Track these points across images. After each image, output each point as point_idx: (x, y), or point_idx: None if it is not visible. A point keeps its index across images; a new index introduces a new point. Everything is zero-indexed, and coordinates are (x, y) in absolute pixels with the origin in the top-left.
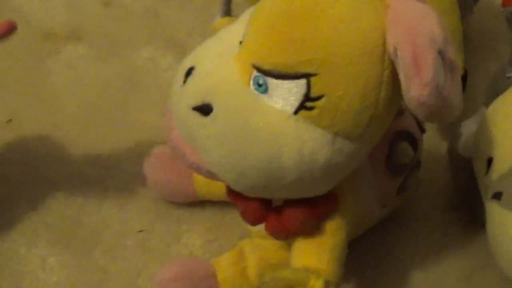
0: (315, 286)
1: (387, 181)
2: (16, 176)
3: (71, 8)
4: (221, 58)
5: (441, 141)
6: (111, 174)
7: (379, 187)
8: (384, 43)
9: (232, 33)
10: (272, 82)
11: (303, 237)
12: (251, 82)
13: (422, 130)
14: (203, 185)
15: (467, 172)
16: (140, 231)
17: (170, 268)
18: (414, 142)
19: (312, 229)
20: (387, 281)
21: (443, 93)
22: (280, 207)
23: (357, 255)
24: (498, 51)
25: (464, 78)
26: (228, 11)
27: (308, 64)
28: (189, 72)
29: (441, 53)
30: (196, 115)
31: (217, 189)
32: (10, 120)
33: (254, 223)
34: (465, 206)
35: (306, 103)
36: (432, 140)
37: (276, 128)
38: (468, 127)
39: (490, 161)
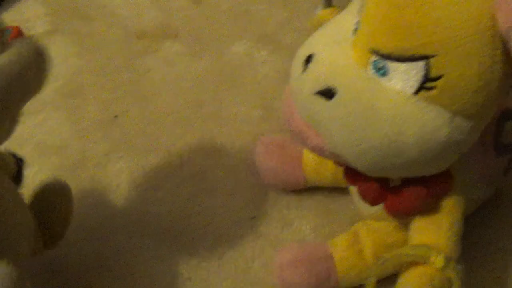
0: (436, 261)
1: (493, 160)
2: (121, 167)
3: (162, 8)
4: (338, 45)
5: None
6: (217, 166)
7: (485, 166)
8: (494, 24)
9: (345, 21)
10: (391, 65)
11: (421, 216)
12: (371, 66)
13: None
14: (311, 171)
15: None
16: (252, 217)
17: (288, 251)
18: None
19: (429, 208)
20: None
21: None
22: (398, 187)
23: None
24: None
25: None
26: (329, 2)
27: (426, 46)
28: (307, 59)
29: None
30: (320, 99)
31: (325, 175)
32: (116, 116)
33: (374, 202)
34: None
35: (425, 84)
36: None
37: (397, 109)
38: None
39: None
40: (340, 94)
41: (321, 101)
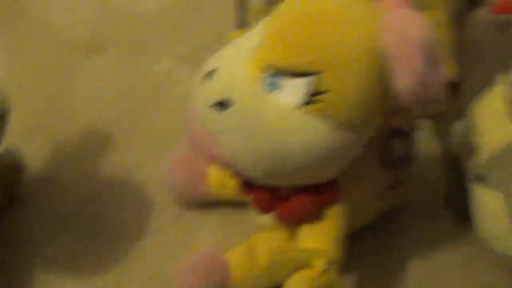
0: (319, 265)
1: (382, 174)
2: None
3: (96, 21)
4: (238, 60)
5: (437, 141)
6: (127, 180)
7: (374, 179)
8: (380, 45)
9: (248, 39)
10: (283, 80)
11: (307, 223)
12: (265, 81)
13: (413, 129)
14: (216, 186)
15: (460, 170)
16: (158, 231)
17: (187, 262)
18: (406, 139)
19: (316, 215)
20: (388, 270)
21: (427, 83)
22: (288, 196)
23: (360, 248)
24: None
25: (457, 85)
26: (243, 24)
27: (315, 63)
28: (210, 74)
29: (426, 51)
30: (216, 110)
31: (229, 189)
32: (37, 127)
33: (264, 211)
34: (458, 203)
35: (312, 98)
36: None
37: (284, 120)
38: (460, 127)
39: (474, 150)
40: (234, 105)
41: (217, 112)
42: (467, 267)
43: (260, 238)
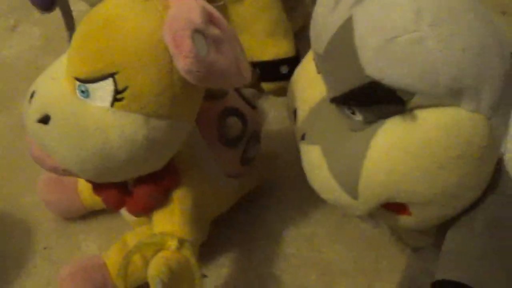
0: (172, 245)
1: (225, 152)
2: None
3: None
4: (54, 78)
5: None
6: (16, 206)
7: (218, 159)
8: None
9: (62, 58)
10: (90, 87)
11: (157, 210)
12: (77, 91)
13: (252, 106)
14: (87, 197)
15: None
16: (45, 248)
17: (66, 267)
18: (243, 117)
19: (163, 202)
20: (264, 245)
21: (206, 62)
22: (134, 188)
23: (231, 231)
24: None
25: (296, 59)
26: None
27: (109, 66)
28: (32, 95)
29: (200, 32)
30: (40, 126)
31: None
32: None
33: (116, 207)
34: None
35: (117, 96)
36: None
37: (100, 121)
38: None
39: (295, 111)
40: (54, 119)
41: (42, 127)
42: (332, 227)
43: (131, 234)
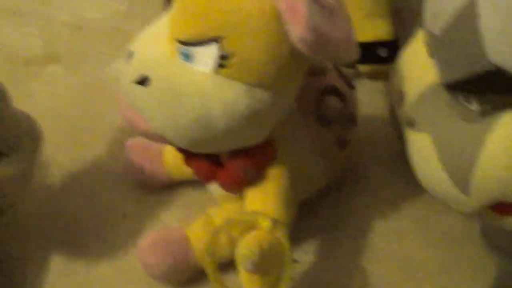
0: (264, 225)
1: (321, 132)
2: None
3: (46, 36)
4: (154, 38)
5: (385, 100)
6: (94, 171)
7: (313, 138)
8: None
9: (163, 18)
10: (193, 50)
11: (250, 187)
12: (178, 54)
13: (351, 86)
14: (172, 167)
15: None
16: (124, 215)
17: (147, 236)
18: (342, 96)
19: (256, 179)
20: (350, 235)
21: (321, 31)
22: (227, 162)
23: (317, 218)
24: None
25: (394, 42)
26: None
27: (215, 29)
28: (130, 55)
29: (315, 0)
30: (138, 87)
31: (184, 169)
32: None
33: (207, 179)
34: None
35: (221, 62)
36: (375, 101)
37: (201, 87)
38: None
39: (402, 95)
40: (153, 81)
41: (139, 89)
42: (423, 222)
43: (216, 210)
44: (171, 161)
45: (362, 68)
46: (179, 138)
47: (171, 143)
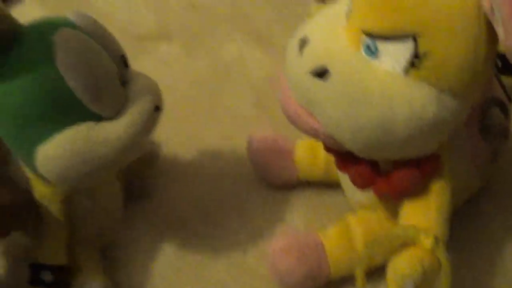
0: (425, 243)
1: (481, 145)
2: None
3: (159, 12)
4: (332, 28)
5: None
6: (211, 163)
7: (474, 150)
8: (479, 4)
9: (338, 7)
10: (381, 45)
11: (410, 199)
12: (362, 47)
13: (509, 98)
14: (304, 165)
15: None
16: (246, 213)
17: (280, 239)
18: (505, 108)
19: (418, 191)
20: (483, 252)
21: None
22: (387, 170)
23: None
24: None
25: None
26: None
27: (413, 26)
28: (303, 42)
29: None
30: (314, 79)
31: (318, 169)
32: None
33: (364, 186)
34: None
35: (414, 62)
36: None
37: (388, 88)
38: None
39: None
40: (334, 74)
41: (316, 81)
42: None
43: (355, 218)
44: (303, 160)
45: (506, 79)
46: (353, 140)
47: (339, 145)
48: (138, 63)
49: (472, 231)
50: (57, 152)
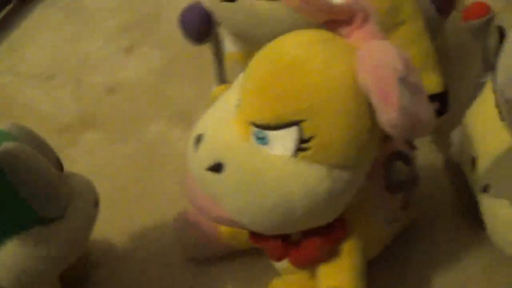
0: None
1: (389, 199)
2: None
3: (80, 101)
4: (223, 121)
5: (438, 153)
6: (145, 245)
7: (383, 206)
8: (356, 82)
9: (229, 98)
10: (270, 133)
11: (324, 263)
12: (253, 137)
13: (413, 148)
14: (228, 237)
15: (464, 178)
16: None
17: None
18: (407, 160)
19: (330, 254)
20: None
21: (411, 112)
22: (299, 239)
23: (379, 273)
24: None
25: (445, 94)
26: (222, 79)
27: (296, 113)
28: (198, 139)
29: (403, 80)
30: (211, 174)
31: (241, 239)
32: None
33: (279, 259)
34: (470, 209)
35: (301, 145)
36: (429, 155)
37: (281, 171)
38: (456, 135)
39: (474, 160)
40: (228, 167)
41: (213, 175)
42: (488, 274)
43: (280, 282)
44: (227, 232)
45: None
46: (256, 224)
47: (246, 228)
48: (64, 154)
49: (402, 266)
50: (10, 259)
